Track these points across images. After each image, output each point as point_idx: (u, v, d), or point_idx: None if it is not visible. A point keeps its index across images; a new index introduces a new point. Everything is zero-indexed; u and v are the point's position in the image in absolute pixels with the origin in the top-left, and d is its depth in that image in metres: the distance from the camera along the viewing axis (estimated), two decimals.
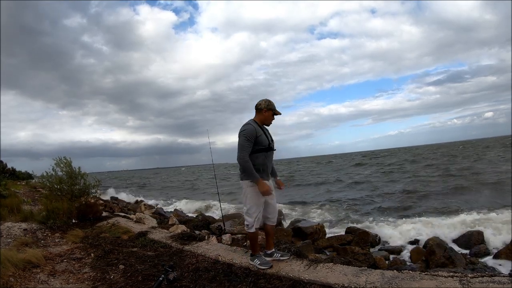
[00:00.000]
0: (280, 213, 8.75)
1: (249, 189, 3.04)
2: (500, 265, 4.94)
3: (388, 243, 6.85)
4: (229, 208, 12.14)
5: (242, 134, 2.98)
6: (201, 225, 7.18)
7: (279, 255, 3.30)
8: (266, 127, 3.21)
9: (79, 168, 6.61)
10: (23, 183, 18.87)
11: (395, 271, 2.79)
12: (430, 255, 4.96)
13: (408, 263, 5.22)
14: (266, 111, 3.07)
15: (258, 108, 3.12)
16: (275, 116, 3.15)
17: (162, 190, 27.14)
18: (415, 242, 6.75)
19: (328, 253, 5.82)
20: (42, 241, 4.64)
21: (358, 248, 6.00)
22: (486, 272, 2.94)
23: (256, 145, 2.98)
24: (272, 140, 3.14)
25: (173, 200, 17.87)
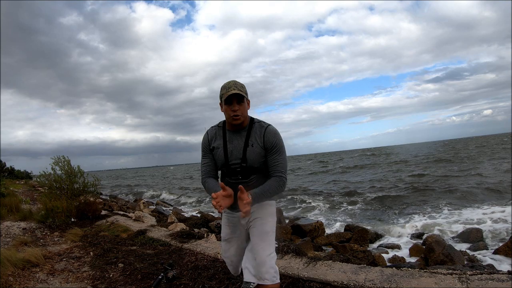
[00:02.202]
0: (279, 211, 8.75)
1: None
2: (499, 262, 4.96)
3: (387, 241, 6.87)
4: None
5: None
6: (200, 223, 7.19)
7: None
8: (245, 129, 1.86)
9: (78, 166, 6.62)
10: (22, 182, 18.85)
11: (394, 268, 2.79)
12: (429, 252, 4.98)
13: (407, 261, 5.24)
14: (220, 104, 1.83)
15: None
16: (238, 106, 1.77)
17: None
18: (414, 239, 6.78)
19: (327, 251, 5.83)
20: (41, 240, 4.64)
21: (357, 245, 6.02)
22: (485, 270, 2.95)
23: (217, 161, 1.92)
24: (242, 152, 1.82)
25: None
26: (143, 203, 12.61)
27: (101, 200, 10.82)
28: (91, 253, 3.95)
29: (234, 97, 1.76)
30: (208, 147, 1.94)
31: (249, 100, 1.88)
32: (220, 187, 1.63)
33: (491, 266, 4.37)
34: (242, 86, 1.80)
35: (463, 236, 6.36)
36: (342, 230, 7.28)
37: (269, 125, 1.88)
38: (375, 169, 25.27)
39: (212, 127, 1.98)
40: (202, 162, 1.96)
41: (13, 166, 27.18)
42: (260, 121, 1.90)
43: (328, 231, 7.52)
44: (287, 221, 8.70)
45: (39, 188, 12.78)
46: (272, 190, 1.76)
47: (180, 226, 5.54)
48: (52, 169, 6.44)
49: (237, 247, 2.04)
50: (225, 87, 1.78)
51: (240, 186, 1.59)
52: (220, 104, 1.85)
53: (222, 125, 1.94)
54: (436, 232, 7.06)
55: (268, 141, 1.82)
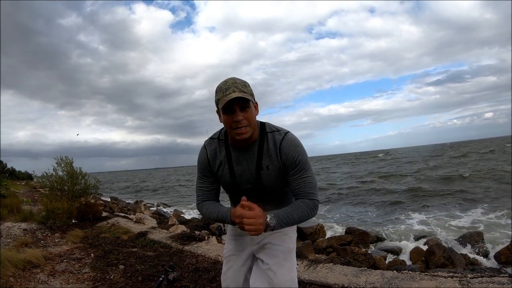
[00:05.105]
0: None
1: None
2: (499, 265, 4.95)
3: (388, 244, 6.85)
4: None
5: None
6: (201, 226, 7.19)
7: None
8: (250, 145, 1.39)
9: (80, 168, 6.64)
10: (23, 183, 18.88)
11: (394, 271, 2.80)
12: (430, 255, 4.96)
13: (408, 264, 5.23)
14: (218, 112, 1.37)
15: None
16: (240, 112, 1.28)
17: None
18: (415, 242, 6.76)
19: (328, 254, 5.82)
20: (42, 241, 4.65)
21: (358, 248, 6.01)
22: (486, 273, 2.95)
23: (220, 183, 1.51)
24: (255, 175, 1.39)
25: None
26: (144, 205, 12.62)
27: (102, 202, 10.83)
28: (92, 254, 3.95)
29: (235, 103, 1.25)
30: (207, 167, 1.45)
31: (256, 103, 1.36)
32: (242, 202, 1.25)
33: (491, 269, 4.36)
34: (244, 85, 1.29)
35: (464, 239, 6.33)
36: (343, 233, 7.26)
37: (286, 133, 1.37)
38: (375, 171, 25.23)
39: (212, 139, 1.47)
40: (198, 185, 1.50)
41: (14, 167, 27.29)
42: (273, 130, 1.39)
43: (329, 233, 7.51)
44: None
45: (40, 189, 12.81)
46: (302, 215, 1.31)
47: (181, 228, 5.55)
48: (54, 170, 6.46)
49: (236, 269, 1.55)
50: (222, 89, 1.27)
51: (244, 200, 1.21)
52: (217, 112, 1.35)
53: (223, 138, 1.44)
54: (437, 235, 7.04)
55: (288, 158, 1.34)
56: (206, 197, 1.48)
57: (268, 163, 1.36)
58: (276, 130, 1.39)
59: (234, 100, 1.24)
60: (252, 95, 1.31)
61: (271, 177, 1.38)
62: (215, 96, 1.31)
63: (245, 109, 1.27)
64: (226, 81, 1.30)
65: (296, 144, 1.35)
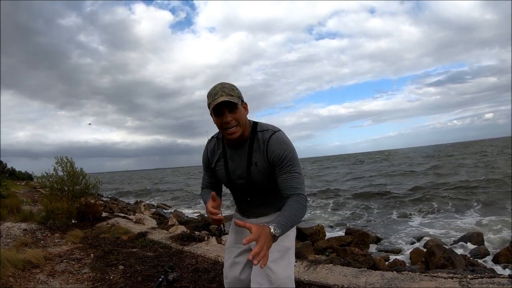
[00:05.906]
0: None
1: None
2: (499, 266, 4.95)
3: (388, 244, 6.85)
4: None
5: None
6: (201, 226, 7.19)
7: None
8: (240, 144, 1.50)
9: (81, 168, 6.64)
10: (23, 183, 18.89)
11: (394, 272, 2.79)
12: (430, 256, 4.96)
13: (408, 264, 5.22)
14: (211, 114, 1.45)
15: None
16: (229, 115, 1.38)
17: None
18: (415, 243, 6.76)
19: (327, 254, 5.82)
20: (42, 241, 4.65)
21: (358, 249, 6.00)
22: (486, 274, 2.95)
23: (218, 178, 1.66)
24: (246, 172, 1.48)
25: None
26: (144, 205, 12.62)
27: (102, 202, 10.84)
28: (92, 254, 3.96)
29: (224, 106, 1.36)
30: (207, 163, 1.63)
31: (245, 103, 1.47)
32: (211, 196, 1.40)
33: (491, 270, 4.36)
34: (231, 89, 1.39)
35: (464, 240, 6.34)
36: (343, 234, 7.26)
37: (274, 132, 1.45)
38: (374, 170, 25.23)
39: (212, 138, 1.63)
40: (203, 175, 1.73)
41: (14, 167, 27.32)
42: (263, 129, 1.47)
43: (328, 234, 7.51)
44: None
45: (40, 189, 12.82)
46: (298, 214, 1.30)
47: (181, 228, 5.54)
48: (54, 170, 6.46)
49: (233, 260, 1.64)
50: (211, 95, 1.38)
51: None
52: (211, 114, 1.44)
53: (221, 137, 1.57)
54: (437, 236, 7.04)
55: (273, 154, 1.40)
56: (205, 186, 1.72)
57: (256, 159, 1.46)
58: (266, 129, 1.48)
59: (222, 104, 1.36)
60: (239, 97, 1.42)
61: (260, 173, 1.47)
62: (207, 101, 1.42)
63: (233, 111, 1.39)
64: (215, 87, 1.40)
65: (282, 141, 1.43)
